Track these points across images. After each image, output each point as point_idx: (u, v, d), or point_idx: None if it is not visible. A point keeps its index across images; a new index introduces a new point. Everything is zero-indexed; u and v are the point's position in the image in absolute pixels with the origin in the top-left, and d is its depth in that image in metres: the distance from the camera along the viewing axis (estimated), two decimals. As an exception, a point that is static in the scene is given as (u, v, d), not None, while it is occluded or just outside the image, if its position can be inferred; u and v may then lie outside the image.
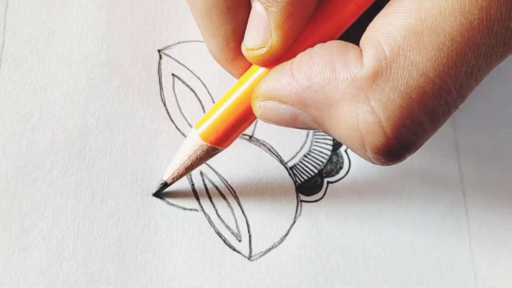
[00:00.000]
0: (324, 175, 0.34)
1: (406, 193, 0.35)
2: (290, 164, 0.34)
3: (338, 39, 0.25)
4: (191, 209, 0.31)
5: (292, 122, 0.25)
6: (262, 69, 0.26)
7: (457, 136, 0.37)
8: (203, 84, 0.33)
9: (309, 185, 0.34)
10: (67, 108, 0.31)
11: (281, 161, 0.33)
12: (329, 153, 0.35)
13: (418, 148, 0.24)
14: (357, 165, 0.35)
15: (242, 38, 0.26)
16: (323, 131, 0.25)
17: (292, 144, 0.34)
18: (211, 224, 0.31)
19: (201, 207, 0.31)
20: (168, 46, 0.34)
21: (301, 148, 0.34)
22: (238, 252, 0.31)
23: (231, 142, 0.28)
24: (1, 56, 0.31)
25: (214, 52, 0.28)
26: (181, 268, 0.30)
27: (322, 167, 0.34)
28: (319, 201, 0.33)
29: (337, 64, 0.23)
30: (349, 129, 0.23)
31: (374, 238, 0.33)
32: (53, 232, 0.29)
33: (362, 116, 0.22)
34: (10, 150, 0.29)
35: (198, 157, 0.28)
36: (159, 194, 0.31)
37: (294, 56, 0.24)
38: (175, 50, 0.34)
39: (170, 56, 0.33)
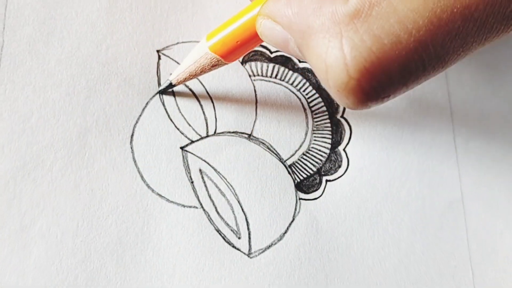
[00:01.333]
0: (323, 173, 0.34)
1: (404, 192, 0.35)
2: (289, 162, 0.34)
3: None
4: (190, 207, 0.31)
5: (284, 46, 0.26)
6: None
7: (455, 136, 0.37)
8: (202, 84, 0.34)
9: (308, 183, 0.34)
10: (67, 108, 0.31)
11: (280, 159, 0.34)
12: (327, 151, 0.35)
13: (383, 99, 0.23)
14: (355, 164, 0.35)
15: None
16: (304, 60, 0.25)
17: (291, 142, 0.34)
18: (210, 222, 0.31)
19: (201, 204, 0.31)
20: (167, 46, 0.34)
21: (300, 146, 0.34)
22: (238, 249, 0.31)
23: (235, 58, 0.30)
24: (0, 57, 0.31)
25: None
26: (180, 265, 0.30)
27: (320, 165, 0.34)
28: (318, 199, 0.33)
29: None
30: (318, 60, 0.23)
31: (373, 236, 0.33)
32: (53, 230, 0.29)
33: (331, 50, 0.22)
34: (9, 149, 0.29)
35: (202, 65, 0.31)
36: (164, 91, 0.33)
37: None
38: (174, 50, 0.34)
39: (169, 57, 0.34)
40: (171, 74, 0.33)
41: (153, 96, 0.33)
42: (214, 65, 0.30)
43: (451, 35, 0.22)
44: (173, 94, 0.33)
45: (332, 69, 0.22)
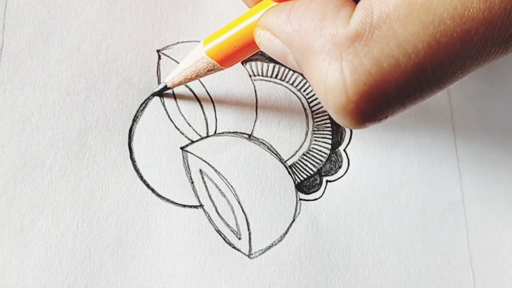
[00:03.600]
0: (323, 173, 0.34)
1: (405, 192, 0.35)
2: (289, 163, 0.34)
3: None
4: (190, 207, 0.31)
5: (283, 59, 0.26)
6: (272, 4, 0.27)
7: (456, 137, 0.37)
8: (202, 84, 0.34)
9: (308, 183, 0.34)
10: (67, 108, 0.31)
11: (280, 160, 0.33)
12: (328, 152, 0.35)
13: (381, 120, 0.24)
14: (356, 164, 0.35)
15: None
16: (304, 76, 0.25)
17: (291, 142, 0.34)
18: (210, 222, 0.31)
19: (201, 205, 0.31)
20: (167, 46, 0.34)
21: (300, 146, 0.34)
22: (238, 250, 0.31)
23: (232, 64, 0.30)
24: (0, 56, 0.31)
25: None
26: (180, 265, 0.30)
27: (321, 165, 0.34)
28: (318, 200, 0.33)
29: (327, 16, 0.23)
30: (318, 81, 0.23)
31: (373, 237, 0.33)
32: (53, 231, 0.29)
33: (331, 73, 0.23)
34: (9, 149, 0.29)
35: (198, 69, 0.30)
36: (158, 93, 0.33)
37: None
38: (174, 50, 0.34)
39: (169, 57, 0.34)
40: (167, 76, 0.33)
41: (149, 97, 0.32)
42: (210, 70, 0.30)
43: (450, 58, 0.22)
44: (174, 94, 0.33)
45: (332, 91, 0.23)
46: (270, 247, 0.32)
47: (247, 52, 0.29)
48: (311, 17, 0.24)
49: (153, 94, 0.33)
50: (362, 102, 0.22)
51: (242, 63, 0.35)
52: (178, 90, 0.33)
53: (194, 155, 0.32)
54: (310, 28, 0.24)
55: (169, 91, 0.33)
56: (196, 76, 0.31)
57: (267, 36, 0.26)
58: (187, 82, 0.32)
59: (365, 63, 0.22)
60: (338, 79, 0.22)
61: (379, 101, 0.22)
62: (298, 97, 0.35)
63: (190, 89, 0.33)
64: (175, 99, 0.33)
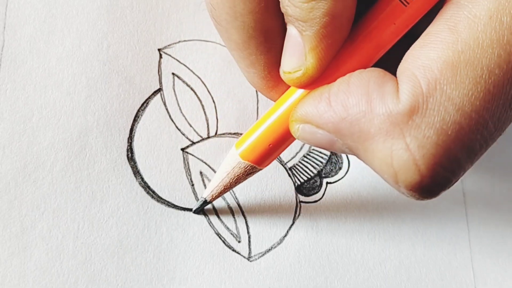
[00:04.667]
0: (323, 175, 0.34)
1: (405, 193, 0.35)
2: (289, 165, 0.34)
3: (379, 65, 0.25)
4: (191, 210, 0.31)
5: (329, 146, 0.25)
6: (300, 91, 0.26)
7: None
8: (203, 83, 0.33)
9: (308, 185, 0.34)
10: (67, 108, 0.31)
11: (281, 162, 0.33)
12: (328, 153, 0.35)
13: (455, 183, 0.23)
14: (356, 166, 0.35)
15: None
16: (360, 159, 0.24)
17: (292, 144, 0.34)
18: (210, 225, 0.31)
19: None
20: (168, 45, 0.34)
21: (301, 148, 0.34)
22: (238, 252, 0.31)
23: (270, 162, 0.29)
24: (1, 56, 0.31)
25: (255, 82, 0.28)
26: (180, 268, 0.30)
27: (321, 167, 0.34)
28: (319, 202, 0.33)
29: (373, 96, 0.22)
30: (383, 165, 0.22)
31: (373, 238, 0.33)
32: (53, 232, 0.29)
33: (397, 153, 0.22)
34: (10, 150, 0.29)
35: (237, 175, 0.29)
36: (200, 211, 0.31)
37: (333, 79, 0.24)
38: (175, 49, 0.34)
39: (170, 55, 0.33)
40: (205, 190, 0.31)
41: (187, 210, 0.31)
42: (249, 174, 0.29)
43: (505, 106, 0.21)
44: (175, 93, 0.33)
45: (402, 171, 0.22)
46: (269, 250, 0.32)
47: (284, 147, 0.28)
48: (356, 101, 0.23)
49: (194, 211, 0.31)
50: (436, 175, 0.22)
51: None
52: (178, 89, 0.33)
53: (195, 156, 0.32)
54: (359, 112, 0.22)
55: (170, 89, 0.33)
56: (236, 183, 0.29)
57: (307, 129, 0.25)
58: (227, 191, 0.30)
59: (430, 135, 0.21)
60: (406, 158, 0.22)
61: (451, 168, 0.22)
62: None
63: (192, 89, 0.33)
64: (176, 98, 0.33)
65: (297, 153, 0.34)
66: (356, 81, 0.23)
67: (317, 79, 0.24)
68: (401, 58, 0.23)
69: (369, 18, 0.24)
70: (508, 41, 0.21)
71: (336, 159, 0.35)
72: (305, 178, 0.34)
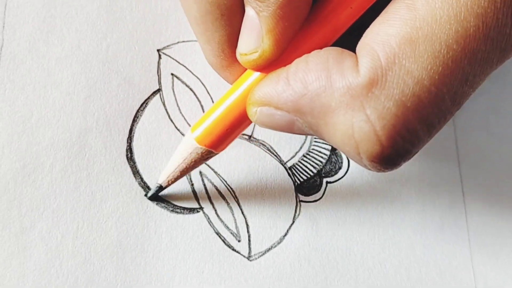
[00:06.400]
0: (323, 175, 0.34)
1: (405, 192, 0.35)
2: (289, 164, 0.34)
3: (334, 44, 0.25)
4: (190, 209, 0.31)
5: (289, 128, 0.25)
6: (256, 74, 0.26)
7: (457, 136, 0.37)
8: (202, 84, 0.33)
9: (308, 185, 0.34)
10: (67, 108, 0.31)
11: (280, 161, 0.33)
12: (328, 153, 0.35)
13: (414, 155, 0.24)
14: (356, 165, 0.35)
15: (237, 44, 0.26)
16: (319, 138, 0.25)
17: (292, 144, 0.34)
18: (210, 224, 0.31)
19: (201, 207, 0.31)
20: (168, 45, 0.34)
21: (300, 148, 0.34)
22: (238, 252, 0.31)
23: (226, 146, 0.28)
24: (0, 56, 0.31)
25: (209, 59, 0.28)
26: (180, 268, 0.30)
27: (321, 167, 0.34)
28: (318, 201, 0.33)
29: (333, 71, 0.23)
30: (345, 137, 0.23)
31: (373, 237, 0.33)
32: (53, 232, 0.29)
33: (358, 124, 0.22)
34: (9, 150, 0.29)
35: (193, 160, 0.28)
36: (155, 197, 0.31)
37: (290, 61, 0.24)
38: (175, 49, 0.34)
39: (169, 56, 0.33)
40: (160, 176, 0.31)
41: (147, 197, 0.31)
42: (206, 158, 0.28)
43: (462, 81, 0.22)
44: (174, 94, 0.33)
45: (364, 142, 0.22)
46: (269, 249, 0.32)
47: (240, 131, 0.28)
48: (315, 77, 0.23)
49: (149, 198, 0.31)
50: (396, 145, 0.22)
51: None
52: (177, 89, 0.33)
53: (194, 156, 0.32)
54: (319, 87, 0.23)
55: (169, 89, 0.33)
56: (192, 167, 0.29)
57: (265, 111, 0.25)
58: (184, 175, 0.30)
59: (389, 107, 0.22)
60: (367, 129, 0.22)
61: (410, 139, 0.22)
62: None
63: (191, 89, 0.33)
64: (175, 99, 0.33)
65: (296, 152, 0.34)
66: (314, 59, 0.23)
67: (274, 62, 0.25)
68: (358, 38, 0.23)
69: (325, 1, 0.25)
70: (465, 17, 0.21)
71: (336, 158, 0.35)
72: (305, 178, 0.34)
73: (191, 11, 0.26)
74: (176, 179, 0.30)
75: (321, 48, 0.24)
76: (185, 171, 0.29)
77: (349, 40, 0.25)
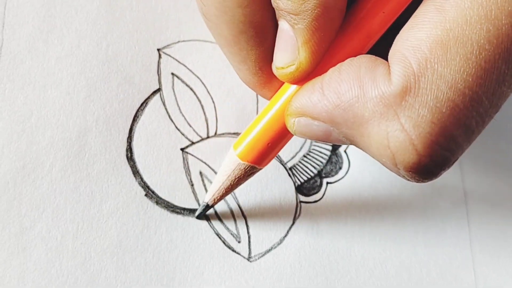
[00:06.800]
0: (324, 175, 0.34)
1: (406, 193, 0.35)
2: (289, 165, 0.33)
3: (369, 52, 0.25)
4: (190, 210, 0.31)
5: (326, 138, 0.25)
6: (294, 87, 0.26)
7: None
8: (203, 84, 0.33)
9: (309, 185, 0.33)
10: (67, 108, 0.31)
11: (281, 162, 0.33)
12: (328, 153, 0.34)
13: (454, 163, 0.23)
14: (356, 166, 0.35)
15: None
16: (357, 147, 0.24)
17: (292, 144, 0.34)
18: (210, 225, 0.31)
19: (201, 207, 0.31)
20: (168, 45, 0.34)
21: (301, 148, 0.34)
22: (238, 253, 0.31)
23: (270, 161, 0.28)
24: (0, 56, 0.31)
25: (246, 78, 0.28)
26: (180, 269, 0.30)
27: (321, 167, 0.34)
28: (319, 202, 0.33)
29: (365, 81, 0.22)
30: (380, 147, 0.22)
31: (374, 238, 0.33)
32: (53, 232, 0.29)
33: (393, 134, 0.22)
34: (9, 150, 0.29)
35: (237, 177, 0.28)
36: (202, 216, 0.31)
37: (326, 71, 0.24)
38: (175, 49, 0.34)
39: (169, 55, 0.33)
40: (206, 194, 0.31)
41: (189, 215, 0.31)
42: (250, 174, 0.28)
43: (499, 81, 0.21)
44: (174, 93, 0.33)
45: (400, 153, 0.22)
46: (269, 250, 0.32)
47: (283, 144, 0.28)
48: (348, 87, 0.22)
49: (197, 217, 0.31)
50: (433, 154, 0.22)
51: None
52: (177, 89, 0.33)
53: (194, 156, 0.32)
54: (352, 98, 0.22)
55: (169, 89, 0.33)
56: (237, 184, 0.29)
57: (303, 121, 0.24)
58: (228, 193, 0.30)
59: (424, 114, 0.21)
60: (402, 138, 0.22)
61: (449, 146, 0.22)
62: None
63: (191, 89, 0.33)
64: (176, 98, 0.33)
65: (297, 153, 0.34)
66: (347, 68, 0.23)
67: (310, 73, 0.24)
68: (391, 44, 0.23)
69: (357, 8, 0.24)
70: (496, 15, 0.21)
71: (336, 159, 0.35)
72: (305, 178, 0.34)
73: (222, 33, 0.26)
74: (222, 197, 0.30)
75: (355, 56, 0.24)
76: (229, 189, 0.29)
77: (384, 47, 0.24)
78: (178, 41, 0.34)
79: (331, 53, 0.24)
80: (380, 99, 0.22)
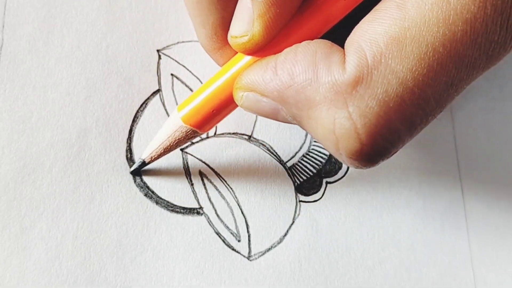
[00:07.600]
0: (323, 175, 0.34)
1: (405, 192, 0.35)
2: (289, 164, 0.34)
3: (324, 35, 0.25)
4: (190, 209, 0.31)
5: (273, 115, 0.26)
6: (246, 59, 0.26)
7: (456, 135, 0.37)
8: (202, 83, 0.33)
9: (308, 185, 0.34)
10: (66, 108, 0.31)
11: (280, 161, 0.33)
12: (328, 153, 0.35)
13: (393, 154, 0.24)
14: (356, 165, 0.35)
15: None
16: (301, 128, 0.25)
17: (291, 144, 0.34)
18: (210, 224, 0.31)
19: (201, 207, 0.31)
20: (167, 46, 0.34)
21: (300, 148, 0.34)
22: (237, 252, 0.31)
23: (211, 127, 0.29)
24: (0, 56, 0.31)
25: (202, 41, 0.28)
26: (180, 268, 0.30)
27: (321, 167, 0.34)
28: (318, 201, 0.33)
29: (320, 66, 0.23)
30: (326, 132, 0.23)
31: (373, 237, 0.33)
32: (53, 232, 0.29)
33: (339, 121, 0.23)
34: (9, 150, 0.29)
35: (177, 138, 0.29)
36: (137, 172, 0.31)
37: (280, 50, 0.25)
38: (174, 50, 0.34)
39: (169, 56, 0.33)
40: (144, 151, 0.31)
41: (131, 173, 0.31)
42: (190, 137, 0.29)
43: (447, 84, 0.22)
44: (173, 94, 0.33)
45: (344, 139, 0.23)
46: (269, 249, 0.32)
47: (226, 113, 0.28)
48: (302, 69, 0.23)
49: (131, 172, 0.31)
50: (375, 144, 0.23)
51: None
52: (177, 89, 0.33)
53: (194, 156, 0.32)
54: (305, 80, 0.23)
55: (169, 89, 0.33)
56: (176, 146, 0.29)
57: (251, 97, 0.25)
58: (167, 153, 0.30)
59: (372, 106, 0.22)
60: (348, 126, 0.22)
61: (391, 139, 0.23)
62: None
63: (191, 90, 0.33)
64: (175, 99, 0.33)
65: (296, 152, 0.34)
66: (303, 51, 0.24)
67: (263, 48, 0.25)
68: (349, 32, 0.24)
69: None
70: (454, 21, 0.21)
71: (336, 158, 0.35)
72: (305, 178, 0.34)
73: None
74: (159, 156, 0.30)
75: (311, 38, 0.25)
76: (168, 149, 0.29)
77: (339, 33, 0.25)
78: (178, 42, 0.34)
79: (287, 33, 0.25)
80: (332, 86, 0.23)
